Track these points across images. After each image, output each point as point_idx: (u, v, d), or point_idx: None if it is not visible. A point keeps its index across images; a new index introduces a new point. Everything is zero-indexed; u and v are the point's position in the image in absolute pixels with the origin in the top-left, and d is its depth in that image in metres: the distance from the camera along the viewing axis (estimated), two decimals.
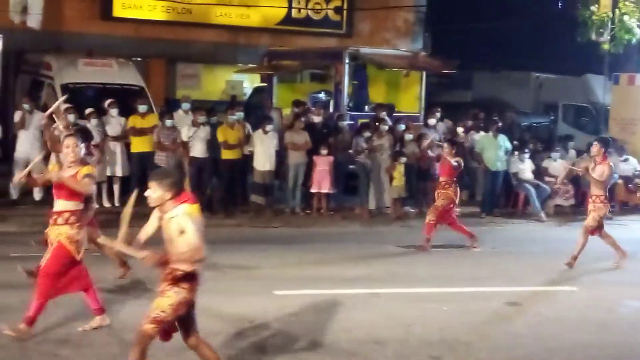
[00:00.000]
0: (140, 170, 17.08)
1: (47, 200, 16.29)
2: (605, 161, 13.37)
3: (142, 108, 17.24)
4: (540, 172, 19.37)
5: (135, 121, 17.14)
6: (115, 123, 17.15)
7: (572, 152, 20.40)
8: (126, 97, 18.15)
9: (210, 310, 10.12)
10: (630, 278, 13.00)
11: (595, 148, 13.53)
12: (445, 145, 15.16)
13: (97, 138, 16.67)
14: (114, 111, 17.16)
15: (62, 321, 9.20)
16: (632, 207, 20.36)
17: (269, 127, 17.38)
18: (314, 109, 19.52)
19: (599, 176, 13.25)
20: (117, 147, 17.14)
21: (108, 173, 17.06)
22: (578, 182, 19.39)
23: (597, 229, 13.44)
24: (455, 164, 14.56)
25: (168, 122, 16.82)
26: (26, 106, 16.81)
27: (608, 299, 11.65)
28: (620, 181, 19.86)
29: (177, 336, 8.52)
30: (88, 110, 16.79)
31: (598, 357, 9.05)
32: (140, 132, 17.07)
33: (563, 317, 10.57)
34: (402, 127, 18.61)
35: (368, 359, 8.61)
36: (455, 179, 14.76)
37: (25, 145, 16.62)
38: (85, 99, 18.47)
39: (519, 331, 9.86)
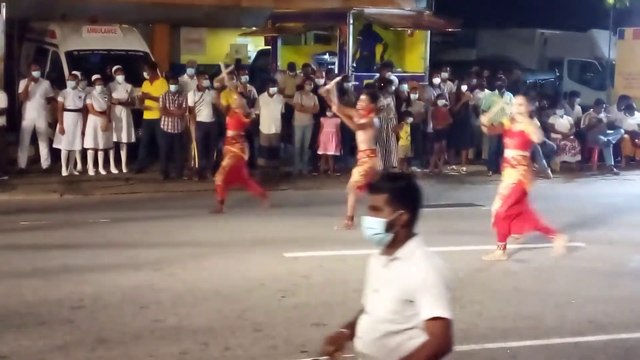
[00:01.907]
0: (149, 137, 17.15)
1: (54, 169, 16.58)
2: (369, 115, 12.48)
3: (147, 74, 17.28)
4: (546, 129, 19.28)
5: (146, 87, 17.24)
6: (121, 89, 17.18)
7: (578, 109, 20.35)
8: (131, 63, 18.17)
9: (221, 273, 10.23)
10: (637, 234, 13.05)
11: (364, 101, 12.59)
12: (236, 97, 14.28)
13: (103, 105, 16.77)
14: (120, 77, 17.18)
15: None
16: (639, 162, 20.31)
17: (273, 90, 17.40)
18: (316, 70, 19.43)
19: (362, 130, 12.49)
20: (122, 114, 17.16)
21: (114, 139, 17.11)
22: (584, 138, 19.38)
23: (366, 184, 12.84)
24: (246, 117, 13.91)
25: (173, 87, 16.82)
26: (36, 73, 16.85)
27: (616, 254, 11.71)
28: (626, 136, 19.82)
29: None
30: (94, 77, 16.86)
31: (608, 312, 9.08)
32: (153, 97, 17.11)
33: (572, 273, 10.63)
34: (405, 87, 18.57)
35: None
36: (243, 134, 14.01)
37: (32, 113, 16.70)
38: (90, 65, 18.53)
39: (529, 288, 9.94)
